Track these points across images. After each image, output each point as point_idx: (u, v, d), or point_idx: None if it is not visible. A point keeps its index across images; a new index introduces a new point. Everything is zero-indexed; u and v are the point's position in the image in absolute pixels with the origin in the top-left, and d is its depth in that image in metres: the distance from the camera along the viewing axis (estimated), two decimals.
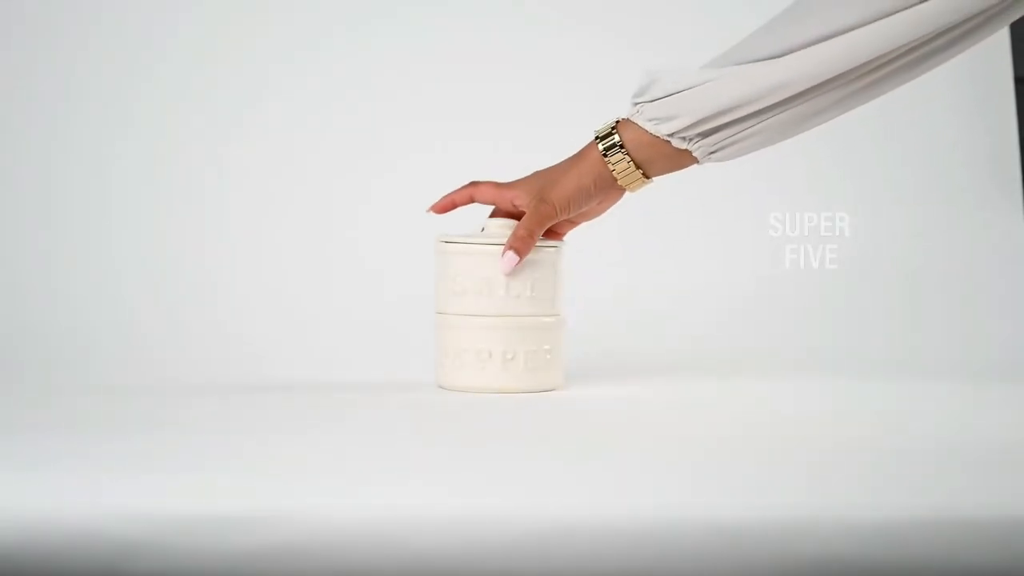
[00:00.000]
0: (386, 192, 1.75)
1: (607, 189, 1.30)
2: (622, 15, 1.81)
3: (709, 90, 1.24)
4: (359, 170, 1.76)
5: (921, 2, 1.19)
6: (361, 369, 1.48)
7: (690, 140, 1.26)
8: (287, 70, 1.78)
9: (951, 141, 1.83)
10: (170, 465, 0.96)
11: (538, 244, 1.30)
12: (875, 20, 1.20)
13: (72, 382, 1.43)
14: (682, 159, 1.28)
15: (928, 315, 1.71)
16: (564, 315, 1.36)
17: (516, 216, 1.31)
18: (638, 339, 1.66)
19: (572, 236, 1.36)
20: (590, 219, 1.34)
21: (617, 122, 1.29)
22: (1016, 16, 1.21)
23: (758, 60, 1.23)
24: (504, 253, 1.28)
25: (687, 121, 1.25)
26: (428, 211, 1.34)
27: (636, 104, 1.27)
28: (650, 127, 1.26)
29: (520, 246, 1.28)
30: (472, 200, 1.33)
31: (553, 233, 1.33)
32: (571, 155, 1.31)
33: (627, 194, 1.32)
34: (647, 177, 1.29)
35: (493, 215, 1.33)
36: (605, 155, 1.28)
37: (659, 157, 1.28)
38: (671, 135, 1.26)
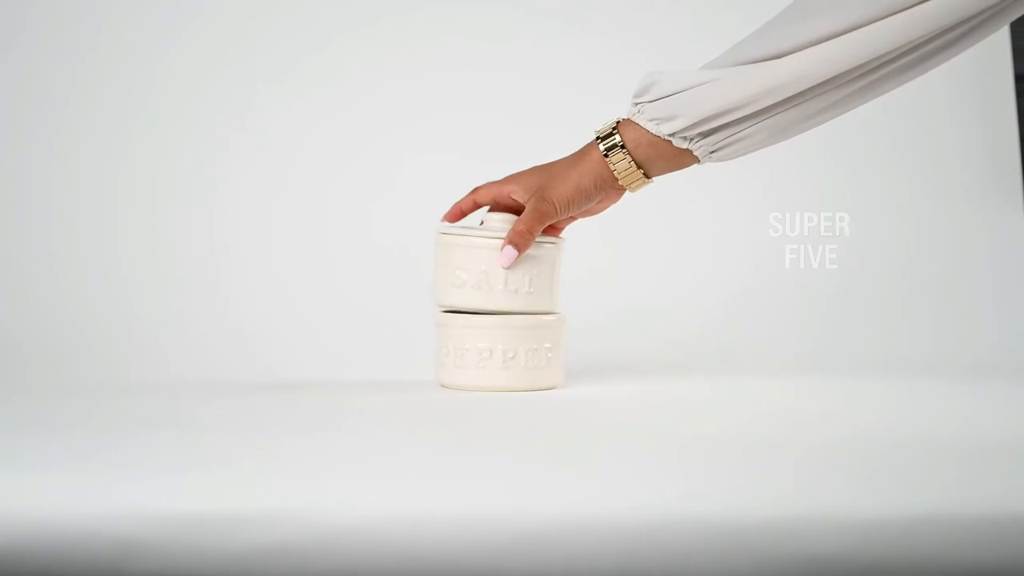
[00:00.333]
0: (393, 192, 1.75)
1: (607, 189, 1.30)
2: (624, 16, 1.81)
3: (710, 90, 1.24)
4: (366, 170, 1.76)
5: (922, 2, 1.19)
6: (364, 368, 1.48)
7: (691, 140, 1.26)
8: (295, 72, 1.78)
9: (951, 141, 1.83)
10: (171, 465, 0.96)
11: (537, 240, 1.30)
12: (875, 20, 1.20)
13: (75, 381, 1.43)
14: (683, 158, 1.28)
15: (928, 315, 1.71)
16: (564, 314, 1.36)
17: (514, 210, 1.32)
18: (638, 338, 1.66)
19: (576, 236, 1.36)
20: (589, 216, 1.35)
21: (618, 122, 1.29)
22: (1016, 15, 1.21)
23: (758, 61, 1.23)
24: (503, 248, 1.29)
25: (687, 121, 1.25)
26: (441, 221, 1.35)
27: (637, 104, 1.28)
28: (651, 127, 1.26)
29: (519, 241, 1.29)
30: (476, 205, 1.34)
31: (552, 229, 1.34)
32: (572, 153, 1.31)
33: (627, 194, 1.32)
34: (648, 177, 1.30)
35: (492, 209, 1.34)
36: (606, 155, 1.28)
37: (660, 157, 1.28)
38: (672, 135, 1.26)
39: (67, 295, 1.64)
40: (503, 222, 1.32)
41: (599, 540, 0.80)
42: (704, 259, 1.74)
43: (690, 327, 1.68)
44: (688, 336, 1.67)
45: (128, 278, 1.67)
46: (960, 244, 1.78)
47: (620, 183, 1.29)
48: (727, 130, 1.26)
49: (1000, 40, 1.83)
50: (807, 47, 1.22)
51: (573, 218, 1.35)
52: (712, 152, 1.27)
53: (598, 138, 1.29)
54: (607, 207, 1.34)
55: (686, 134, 1.26)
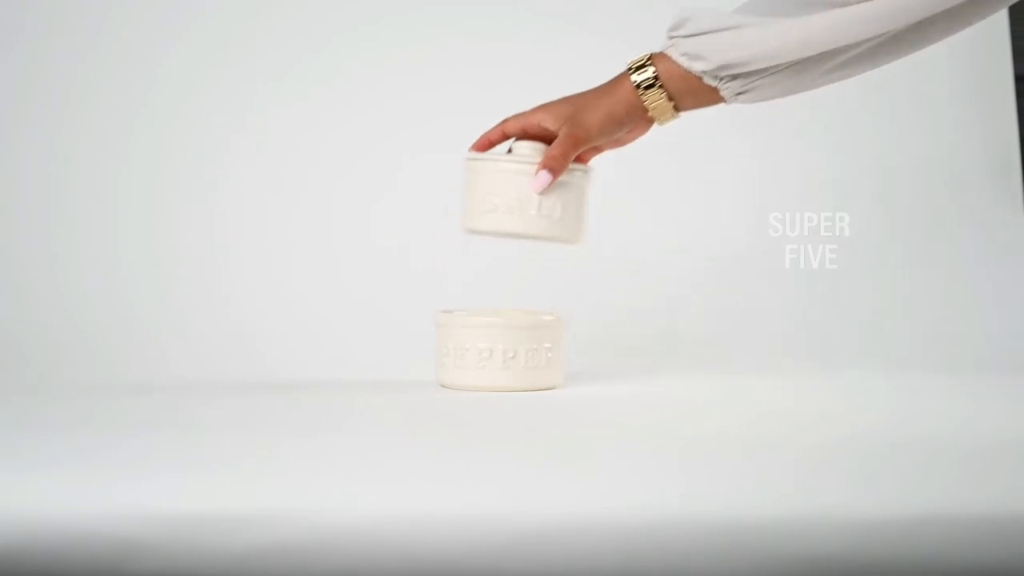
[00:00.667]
0: (393, 192, 1.75)
1: (637, 119, 1.30)
2: (624, 16, 1.81)
3: (740, 36, 1.24)
4: (366, 170, 1.76)
5: None
6: (364, 368, 1.48)
7: (720, 79, 1.27)
8: (295, 72, 1.78)
9: (951, 141, 1.82)
10: (171, 464, 0.96)
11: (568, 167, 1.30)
12: None
13: (75, 381, 1.43)
14: (711, 96, 1.29)
15: (928, 315, 1.71)
16: (564, 314, 1.36)
17: (542, 139, 1.32)
18: (638, 338, 1.66)
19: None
20: (616, 147, 1.34)
21: (651, 55, 1.29)
22: None
23: (790, 15, 1.23)
24: (538, 172, 1.29)
25: (712, 64, 1.26)
26: (469, 150, 1.33)
27: (671, 38, 1.28)
28: (683, 61, 1.27)
29: (554, 165, 1.29)
30: (505, 135, 1.33)
31: (578, 159, 1.33)
32: (601, 83, 1.31)
33: (655, 126, 1.32)
34: (677, 110, 1.30)
35: (519, 138, 1.33)
36: (638, 86, 1.28)
37: (690, 91, 1.29)
38: (702, 72, 1.27)
39: (67, 295, 1.64)
40: (532, 150, 1.30)
41: (599, 540, 0.80)
42: (704, 259, 1.74)
43: (689, 327, 1.68)
44: (687, 336, 1.67)
45: (128, 278, 1.67)
46: (960, 244, 1.78)
47: (650, 114, 1.29)
48: (750, 77, 1.26)
49: (1000, 40, 1.83)
50: (846, 6, 1.22)
51: (599, 149, 1.34)
52: (738, 94, 1.28)
53: (630, 68, 1.29)
54: (634, 139, 1.33)
55: (716, 74, 1.27)
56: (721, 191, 1.75)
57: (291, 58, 1.77)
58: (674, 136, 1.36)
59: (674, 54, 1.27)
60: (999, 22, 1.81)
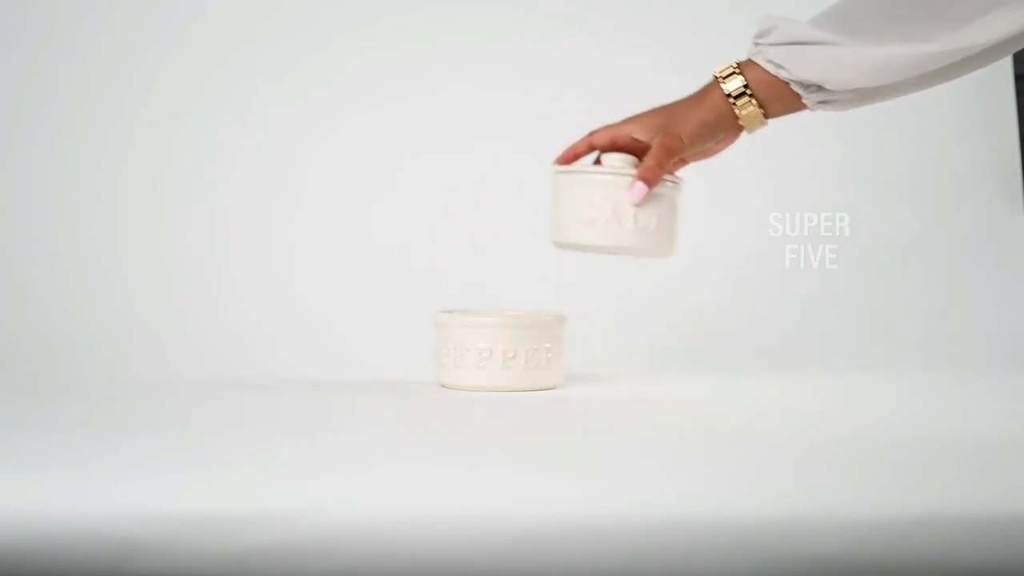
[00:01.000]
0: (393, 192, 1.75)
1: (728, 128, 1.30)
2: (624, 16, 1.81)
3: (823, 54, 1.25)
4: (366, 170, 1.76)
5: None
6: (364, 368, 1.48)
7: (805, 87, 1.27)
8: (295, 72, 1.78)
9: (951, 141, 1.82)
10: (171, 464, 0.96)
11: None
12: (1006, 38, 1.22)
13: (75, 381, 1.43)
14: (797, 103, 1.29)
15: (928, 315, 1.71)
16: (564, 314, 1.36)
17: (631, 150, 1.31)
18: (639, 338, 1.66)
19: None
20: (703, 159, 1.34)
21: (738, 64, 1.29)
22: None
23: (869, 44, 1.24)
24: (634, 184, 1.28)
25: (797, 76, 1.26)
26: (555, 163, 1.32)
27: (758, 45, 1.28)
28: (770, 68, 1.27)
29: (650, 176, 1.28)
30: (592, 147, 1.32)
31: None
32: (688, 95, 1.31)
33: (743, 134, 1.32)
34: (766, 117, 1.30)
35: (605, 151, 1.32)
36: (729, 95, 1.28)
37: (778, 98, 1.29)
38: (788, 79, 1.27)
39: (67, 295, 1.64)
40: (622, 162, 1.29)
41: (599, 540, 0.80)
42: (704, 259, 1.74)
43: (689, 326, 1.68)
44: (687, 335, 1.67)
45: (128, 278, 1.67)
46: (960, 244, 1.78)
47: (740, 121, 1.29)
48: (832, 92, 1.27)
49: None
50: (920, 41, 1.22)
51: (684, 161, 1.33)
52: (819, 103, 1.28)
53: (717, 78, 1.29)
54: (723, 149, 1.33)
55: (799, 82, 1.27)
56: (721, 191, 1.75)
57: (291, 58, 1.77)
58: None
59: (761, 61, 1.27)
60: None
